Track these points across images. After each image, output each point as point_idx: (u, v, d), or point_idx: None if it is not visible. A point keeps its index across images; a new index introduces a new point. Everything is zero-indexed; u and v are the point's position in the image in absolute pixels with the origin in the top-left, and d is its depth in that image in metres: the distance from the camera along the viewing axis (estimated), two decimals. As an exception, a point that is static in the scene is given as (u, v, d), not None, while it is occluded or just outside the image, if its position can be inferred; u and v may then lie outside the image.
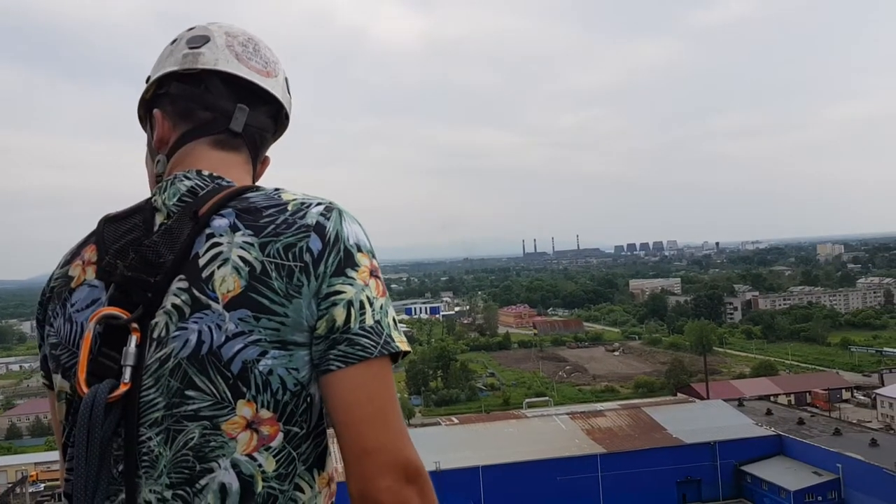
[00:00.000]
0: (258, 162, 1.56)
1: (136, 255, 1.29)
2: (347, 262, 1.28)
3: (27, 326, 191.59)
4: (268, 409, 1.22)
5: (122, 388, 1.22)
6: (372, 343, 1.25)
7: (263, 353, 1.22)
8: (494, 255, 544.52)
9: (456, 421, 57.15)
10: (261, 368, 1.22)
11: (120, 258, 1.30)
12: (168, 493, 1.21)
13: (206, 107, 1.46)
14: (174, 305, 1.25)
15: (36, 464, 62.59)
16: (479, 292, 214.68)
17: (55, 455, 65.46)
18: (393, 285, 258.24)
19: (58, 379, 1.36)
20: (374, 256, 1.33)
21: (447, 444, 47.09)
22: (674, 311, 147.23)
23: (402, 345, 1.30)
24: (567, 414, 54.80)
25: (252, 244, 1.25)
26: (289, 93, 1.61)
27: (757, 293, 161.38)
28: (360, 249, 1.31)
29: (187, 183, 1.37)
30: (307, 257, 1.25)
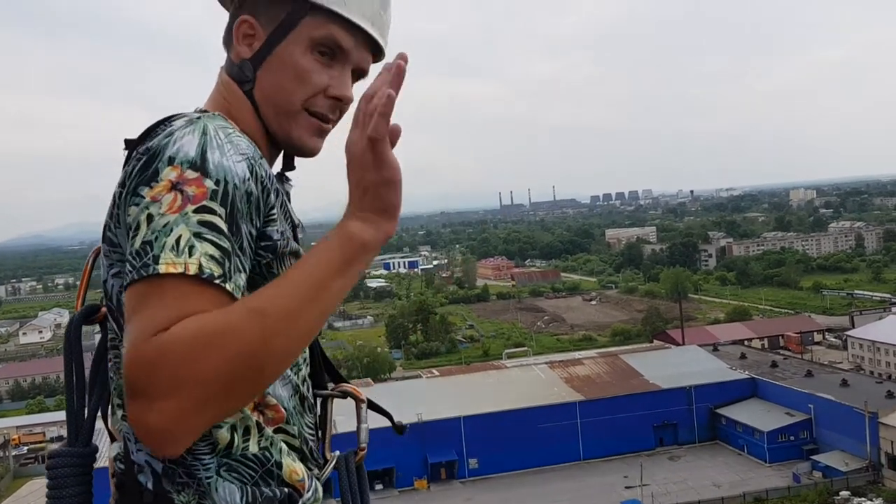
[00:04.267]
0: (231, 38, 1.41)
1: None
2: (146, 178, 1.13)
3: (2, 290, 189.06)
4: None
5: (103, 311, 1.32)
6: (129, 269, 1.09)
7: (123, 286, 1.16)
8: (471, 208, 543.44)
9: (437, 373, 57.71)
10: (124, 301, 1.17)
11: None
12: (119, 413, 1.28)
13: None
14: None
15: (18, 427, 62.49)
16: (457, 245, 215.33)
17: (37, 418, 65.61)
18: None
19: None
20: (195, 167, 1.12)
21: (428, 397, 47.63)
22: (649, 260, 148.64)
23: (167, 266, 1.06)
24: (546, 363, 55.51)
25: (121, 177, 1.23)
26: None
27: (731, 240, 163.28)
28: (171, 162, 1.12)
29: None
30: (128, 182, 1.16)
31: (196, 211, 1.10)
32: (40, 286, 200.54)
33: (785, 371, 52.44)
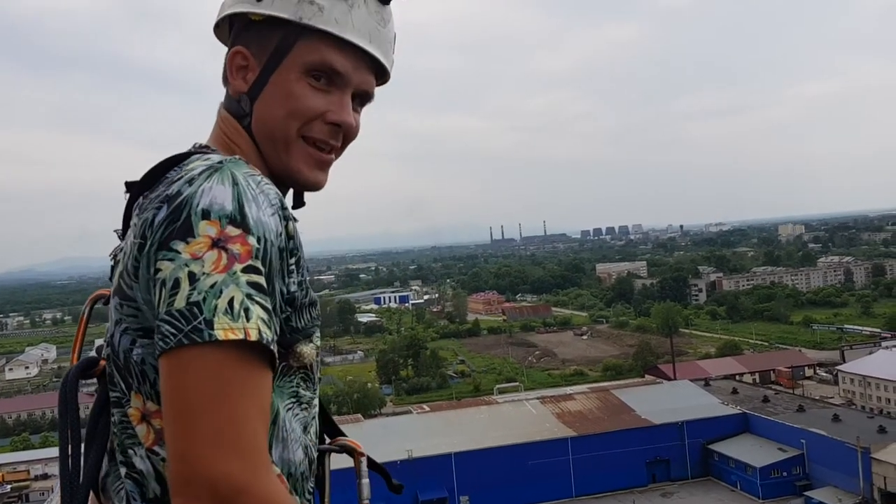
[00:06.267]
0: (228, 75, 1.32)
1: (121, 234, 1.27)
2: (179, 232, 1.02)
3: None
4: (153, 401, 1.11)
5: (101, 364, 1.20)
6: (172, 331, 0.97)
7: (133, 343, 1.12)
8: (462, 243, 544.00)
9: (427, 409, 57.21)
10: (135, 358, 1.11)
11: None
12: (123, 471, 1.15)
13: None
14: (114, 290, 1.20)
15: (1, 465, 61.41)
16: (448, 280, 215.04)
17: (20, 456, 64.61)
18: (361, 275, 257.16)
19: None
20: (235, 223, 1.03)
21: (419, 432, 47.15)
22: (640, 294, 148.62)
23: (225, 332, 0.97)
24: (537, 398, 55.13)
25: (136, 225, 1.13)
26: None
27: (721, 274, 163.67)
28: (207, 216, 1.02)
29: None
30: (147, 233, 1.07)
31: (244, 271, 1.01)
32: (28, 321, 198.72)
33: (776, 406, 52.28)
